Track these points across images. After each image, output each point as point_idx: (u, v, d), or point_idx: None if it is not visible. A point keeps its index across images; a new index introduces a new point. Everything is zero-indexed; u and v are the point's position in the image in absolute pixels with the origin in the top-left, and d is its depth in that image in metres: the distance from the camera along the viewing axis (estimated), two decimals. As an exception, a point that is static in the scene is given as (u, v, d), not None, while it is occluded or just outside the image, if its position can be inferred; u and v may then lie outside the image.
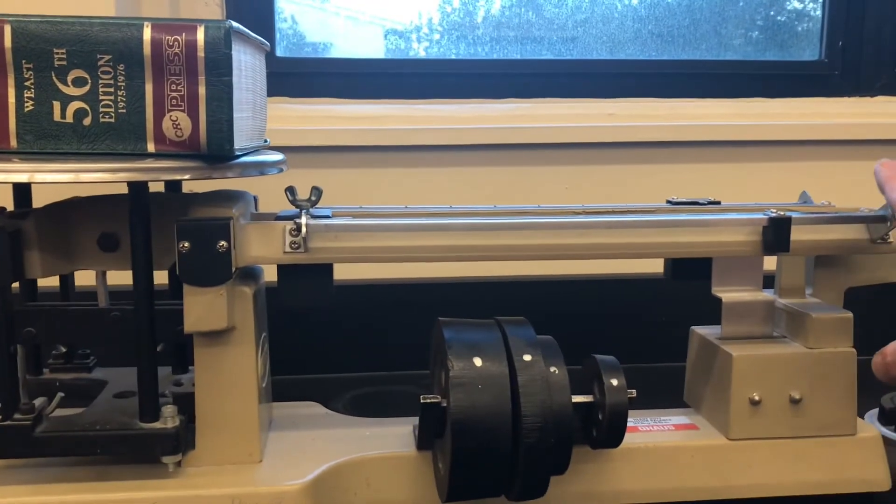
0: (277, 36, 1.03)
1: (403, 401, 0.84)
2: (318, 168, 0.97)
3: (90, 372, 0.66)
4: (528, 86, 1.06)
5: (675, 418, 0.67)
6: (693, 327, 0.71)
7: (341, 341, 0.94)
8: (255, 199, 0.66)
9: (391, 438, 0.63)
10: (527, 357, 0.54)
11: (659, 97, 1.07)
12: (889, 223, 0.62)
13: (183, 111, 0.50)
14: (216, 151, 0.51)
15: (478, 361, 0.53)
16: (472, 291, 0.95)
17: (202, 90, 0.50)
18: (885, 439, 0.65)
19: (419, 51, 1.09)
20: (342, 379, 0.91)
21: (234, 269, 0.56)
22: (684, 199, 0.69)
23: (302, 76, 1.03)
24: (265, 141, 0.69)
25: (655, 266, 0.72)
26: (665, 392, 0.73)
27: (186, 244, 0.54)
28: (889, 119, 1.06)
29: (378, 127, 0.99)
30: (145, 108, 0.50)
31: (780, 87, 1.09)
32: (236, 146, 0.53)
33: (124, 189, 0.54)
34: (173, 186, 0.65)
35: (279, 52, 1.04)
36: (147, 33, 0.50)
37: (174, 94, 0.50)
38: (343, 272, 0.93)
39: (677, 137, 1.02)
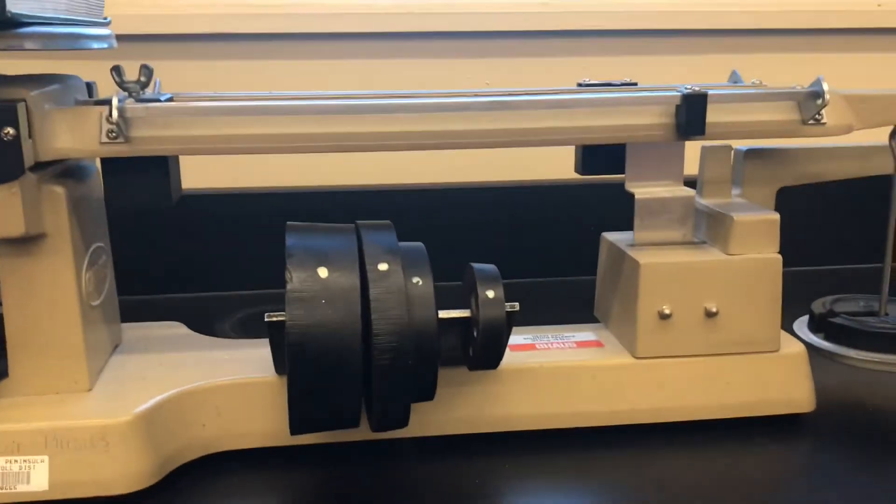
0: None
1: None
2: (197, 59, 0.87)
3: None
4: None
5: (580, 335, 0.60)
6: (604, 234, 0.63)
7: (235, 257, 0.86)
8: (91, 85, 0.56)
9: (251, 362, 0.55)
10: (382, 266, 0.46)
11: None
12: (820, 100, 0.53)
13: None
14: (-15, 15, 0.41)
15: (322, 272, 0.45)
16: (366, 200, 0.87)
17: (-41, -64, 0.40)
18: (817, 350, 0.58)
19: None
20: (234, 297, 0.83)
21: (31, 163, 0.46)
22: (596, 82, 0.60)
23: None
24: (105, 20, 0.59)
25: (568, 171, 0.64)
26: (582, 307, 0.66)
27: (-38, 133, 0.44)
28: (850, 7, 0.97)
29: (281, 13, 0.88)
30: None
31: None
32: (25, 11, 0.43)
33: None
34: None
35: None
36: None
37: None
38: (243, 178, 0.84)
39: (611, 26, 0.92)
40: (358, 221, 0.50)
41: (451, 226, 0.88)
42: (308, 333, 0.44)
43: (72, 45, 0.49)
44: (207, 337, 0.61)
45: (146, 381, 0.53)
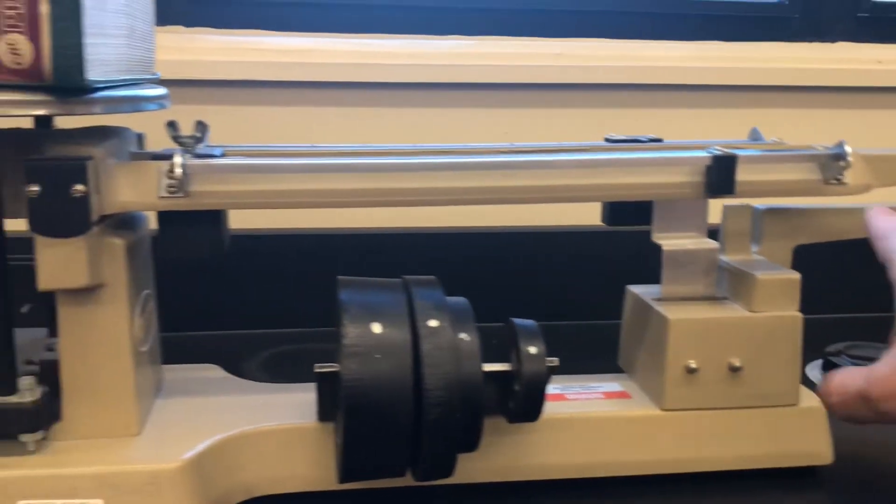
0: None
1: (323, 360, 0.79)
2: (239, 105, 0.90)
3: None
4: (473, 21, 0.98)
5: (606, 385, 0.62)
6: (629, 286, 0.65)
7: (257, 294, 0.88)
8: (141, 136, 0.59)
9: (293, 408, 0.57)
10: (433, 323, 0.48)
11: (610, 37, 1.00)
12: (843, 161, 0.57)
13: (22, 33, 0.42)
14: (64, 82, 0.43)
15: (376, 328, 0.47)
16: (394, 243, 0.89)
17: (45, 9, 0.42)
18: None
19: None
20: (258, 336, 0.85)
21: (96, 218, 0.48)
22: (623, 137, 0.63)
23: (225, 5, 0.95)
24: (155, 75, 0.61)
25: (591, 217, 0.67)
26: (599, 354, 0.68)
27: (36, 188, 0.46)
28: (848, 65, 1.01)
29: (311, 61, 0.91)
30: (-25, 27, 0.42)
31: (738, 29, 1.03)
32: (98, 77, 0.46)
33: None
34: (44, 124, 0.58)
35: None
36: (-22, -63, 0.42)
37: (10, 12, 0.42)
38: (254, 220, 0.86)
39: (628, 80, 0.96)
40: (405, 277, 0.52)
41: (478, 270, 0.90)
42: (362, 387, 0.46)
43: (132, 108, 0.51)
44: (244, 380, 0.63)
45: (191, 425, 0.55)
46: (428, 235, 0.90)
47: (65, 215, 0.47)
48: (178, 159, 0.49)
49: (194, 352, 0.70)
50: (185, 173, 0.50)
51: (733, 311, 0.59)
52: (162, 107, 0.55)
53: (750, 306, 0.58)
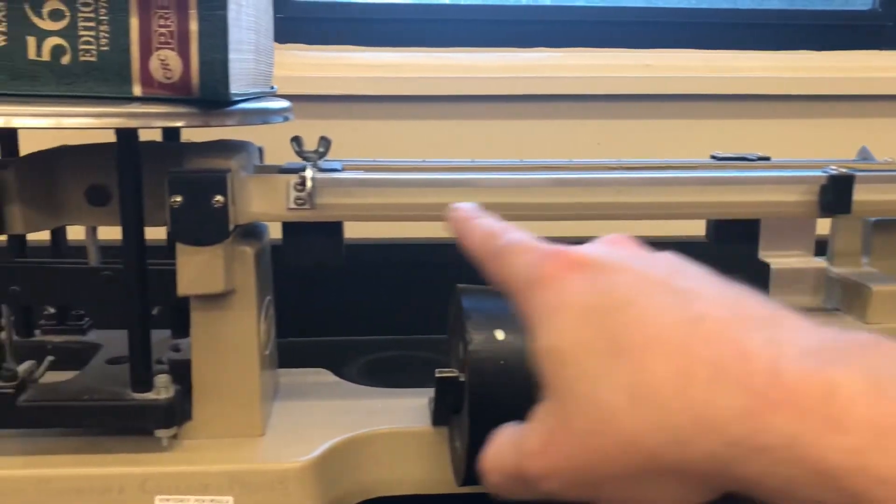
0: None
1: (421, 368, 0.80)
2: (334, 119, 0.92)
3: (84, 334, 0.62)
4: (559, 34, 0.99)
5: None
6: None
7: (357, 302, 0.90)
8: (261, 150, 0.61)
9: (405, 412, 0.58)
10: (554, 330, 0.48)
11: (699, 48, 1.00)
12: None
13: (172, 49, 0.45)
14: (210, 96, 0.46)
15: (499, 334, 0.48)
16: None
17: (194, 26, 0.45)
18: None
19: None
20: (356, 342, 0.87)
21: (232, 227, 0.50)
22: (730, 155, 0.63)
23: (318, 21, 0.97)
24: (272, 88, 0.63)
25: (694, 228, 0.67)
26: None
27: (179, 199, 0.49)
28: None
29: (399, 76, 0.93)
30: (130, 45, 0.45)
31: (829, 38, 1.01)
32: (235, 91, 0.48)
33: (113, 137, 0.49)
34: (170, 135, 0.60)
35: (296, -4, 0.98)
36: (133, -40, 0.44)
37: (162, 29, 0.44)
38: (356, 230, 0.89)
39: (718, 90, 0.95)
40: (522, 285, 0.53)
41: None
42: (488, 391, 0.47)
43: (262, 120, 0.54)
44: (354, 385, 0.65)
45: (311, 427, 0.56)
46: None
47: (205, 224, 0.49)
48: (308, 173, 0.51)
49: (297, 357, 0.73)
50: (313, 186, 0.52)
51: (847, 324, 0.58)
52: (287, 119, 0.58)
53: (864, 318, 0.58)
